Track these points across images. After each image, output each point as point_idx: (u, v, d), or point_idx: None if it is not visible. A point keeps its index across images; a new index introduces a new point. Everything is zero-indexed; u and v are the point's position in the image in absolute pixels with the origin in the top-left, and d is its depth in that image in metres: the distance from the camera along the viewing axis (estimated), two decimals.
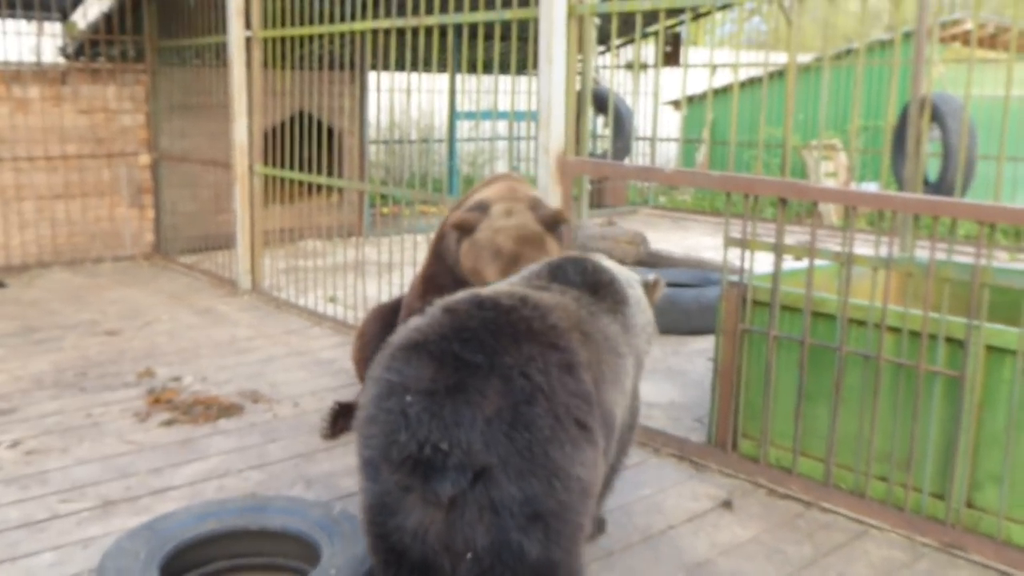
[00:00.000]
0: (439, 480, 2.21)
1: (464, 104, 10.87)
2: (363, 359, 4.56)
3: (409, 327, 2.52)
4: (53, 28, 9.52)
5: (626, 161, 12.10)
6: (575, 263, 3.11)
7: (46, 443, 4.44)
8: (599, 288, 3.05)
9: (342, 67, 9.75)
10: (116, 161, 8.99)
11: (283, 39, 7.12)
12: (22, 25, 8.94)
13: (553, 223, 3.92)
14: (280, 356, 5.90)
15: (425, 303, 3.01)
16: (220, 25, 7.62)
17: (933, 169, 8.18)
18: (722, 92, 14.32)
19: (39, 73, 8.51)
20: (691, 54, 14.64)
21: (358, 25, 6.19)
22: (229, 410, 4.87)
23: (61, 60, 9.26)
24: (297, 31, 6.84)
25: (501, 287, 2.87)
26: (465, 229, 3.92)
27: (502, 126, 12.03)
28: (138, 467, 4.17)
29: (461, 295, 2.64)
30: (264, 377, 5.43)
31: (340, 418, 4.57)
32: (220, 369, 5.62)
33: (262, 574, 3.25)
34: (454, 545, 2.29)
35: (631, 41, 12.60)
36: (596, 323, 2.85)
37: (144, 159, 9.13)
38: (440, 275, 4.16)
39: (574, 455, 2.38)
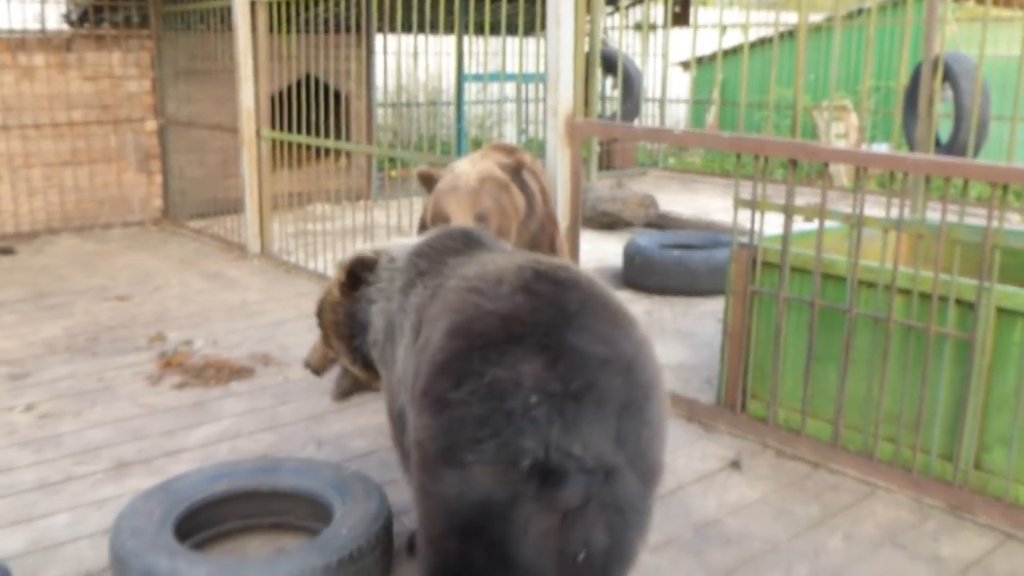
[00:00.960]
0: (570, 487, 2.09)
1: (472, 66, 10.80)
2: None
3: (491, 312, 2.33)
4: None
5: (635, 123, 12.03)
6: (461, 230, 3.08)
7: (59, 407, 4.48)
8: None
9: (348, 30, 9.68)
10: (123, 127, 8.98)
11: (288, 2, 7.07)
12: None
13: (515, 170, 3.99)
14: (290, 319, 5.92)
15: None
16: None
17: (945, 130, 8.11)
18: (732, 53, 14.18)
19: (44, 40, 8.48)
20: (701, 14, 14.49)
21: None
22: (240, 373, 4.90)
23: (65, 27, 9.21)
24: None
25: (517, 257, 2.71)
26: (427, 179, 3.97)
27: (510, 88, 11.96)
28: (151, 430, 4.20)
29: (505, 266, 2.50)
30: (274, 340, 5.45)
31: (348, 380, 4.59)
32: (231, 332, 5.64)
33: (275, 534, 3.29)
34: (569, 548, 2.17)
35: (640, 1, 12.47)
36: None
37: (151, 125, 9.11)
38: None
39: (664, 443, 2.36)
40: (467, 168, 3.96)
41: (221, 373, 4.88)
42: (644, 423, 2.24)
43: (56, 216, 8.65)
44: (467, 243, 2.94)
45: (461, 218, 3.75)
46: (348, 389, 4.14)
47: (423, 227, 4.30)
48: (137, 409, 4.45)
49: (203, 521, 3.17)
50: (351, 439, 4.12)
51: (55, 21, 9.27)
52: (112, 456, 3.95)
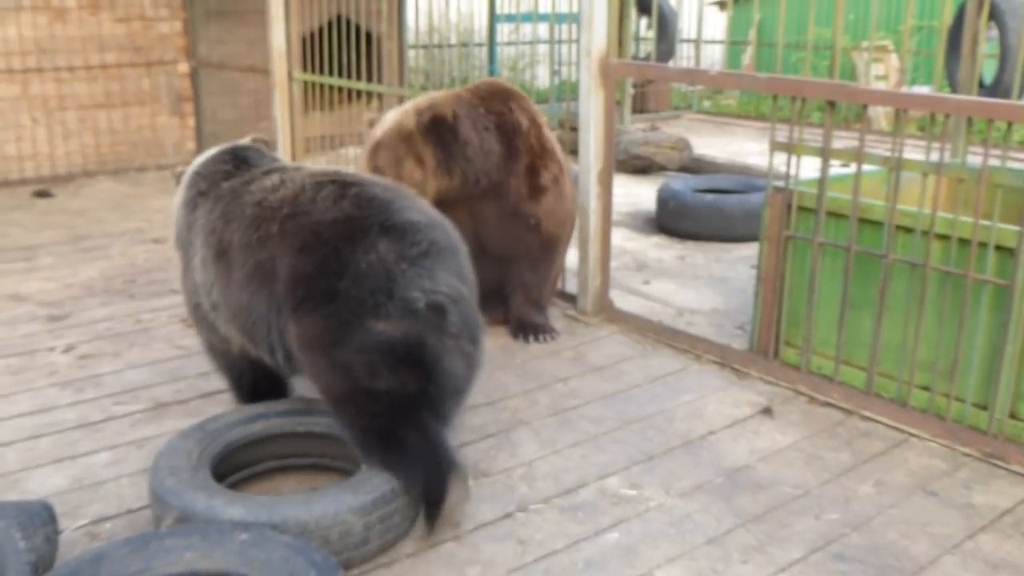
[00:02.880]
0: (451, 314, 2.94)
1: (504, 7, 10.66)
2: None
3: (331, 221, 3.03)
4: None
5: (670, 64, 11.85)
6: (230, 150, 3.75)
7: (99, 348, 4.55)
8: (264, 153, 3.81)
9: None
10: (155, 69, 8.98)
11: None
12: None
13: (428, 125, 4.22)
14: None
15: None
16: None
17: (989, 71, 7.92)
18: None
19: None
20: None
21: None
22: None
23: None
24: None
25: (302, 173, 3.33)
26: (369, 124, 4.37)
27: (543, 29, 11.79)
28: (187, 371, 4.26)
29: (304, 184, 3.22)
30: None
31: None
32: None
33: (309, 474, 3.34)
34: (458, 352, 2.97)
35: None
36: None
37: (183, 67, 9.10)
38: None
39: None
40: (386, 119, 4.30)
41: None
42: (464, 259, 3.16)
43: (91, 159, 8.71)
44: (236, 164, 3.59)
45: (363, 168, 4.21)
46: None
47: None
48: (174, 351, 4.51)
49: (239, 461, 3.23)
50: None
51: None
52: (150, 396, 4.02)
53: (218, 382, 4.15)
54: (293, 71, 7.46)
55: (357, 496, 2.80)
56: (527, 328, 4.66)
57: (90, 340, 4.65)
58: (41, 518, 2.61)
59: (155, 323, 4.89)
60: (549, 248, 4.70)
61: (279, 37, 7.41)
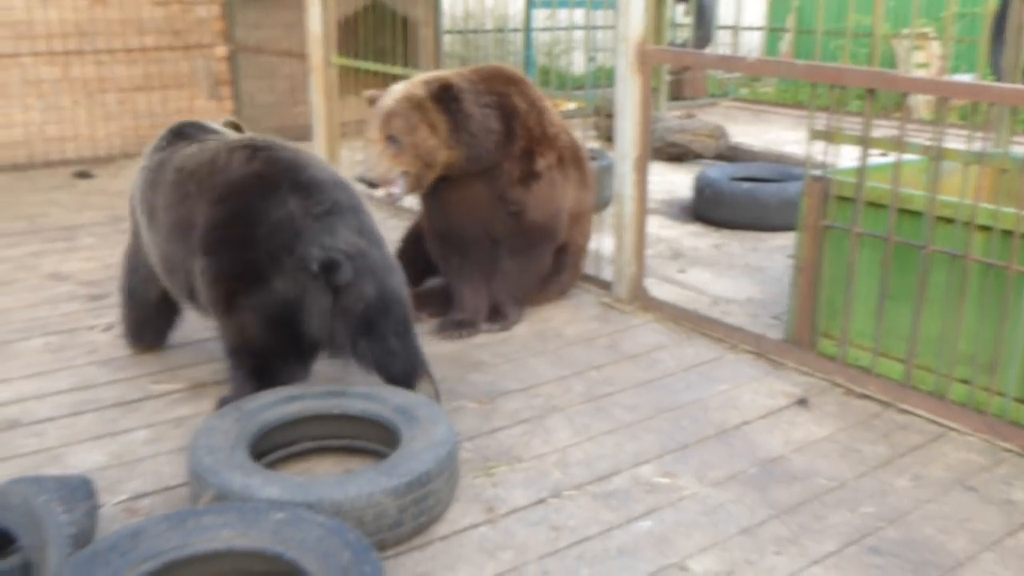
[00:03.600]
0: (343, 270, 3.27)
1: None
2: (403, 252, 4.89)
3: (244, 177, 3.45)
4: None
5: (707, 50, 11.76)
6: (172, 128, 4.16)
7: None
8: (215, 129, 4.15)
9: None
10: (193, 53, 9.04)
11: None
12: None
13: (438, 93, 4.24)
14: None
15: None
16: None
17: None
18: None
19: None
20: None
21: None
22: None
23: None
24: None
25: (222, 141, 3.76)
26: (373, 102, 4.41)
27: (579, 15, 11.74)
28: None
29: (220, 148, 3.64)
30: None
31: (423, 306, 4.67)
32: None
33: (344, 456, 3.37)
34: (350, 307, 3.34)
35: None
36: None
37: (220, 51, 9.16)
38: None
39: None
40: (394, 90, 4.32)
41: None
42: (366, 217, 3.51)
43: (131, 140, 8.79)
44: (171, 140, 4.02)
45: (376, 137, 4.23)
46: None
47: None
48: (211, 332, 4.53)
49: (276, 441, 3.26)
50: None
51: None
52: (189, 376, 4.06)
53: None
54: (330, 55, 7.48)
55: (391, 478, 2.82)
56: (492, 315, 4.66)
57: None
58: (81, 493, 2.66)
59: None
60: (533, 238, 4.62)
61: (316, 22, 7.43)
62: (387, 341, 3.44)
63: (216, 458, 2.90)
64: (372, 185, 4.24)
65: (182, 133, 4.05)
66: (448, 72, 4.50)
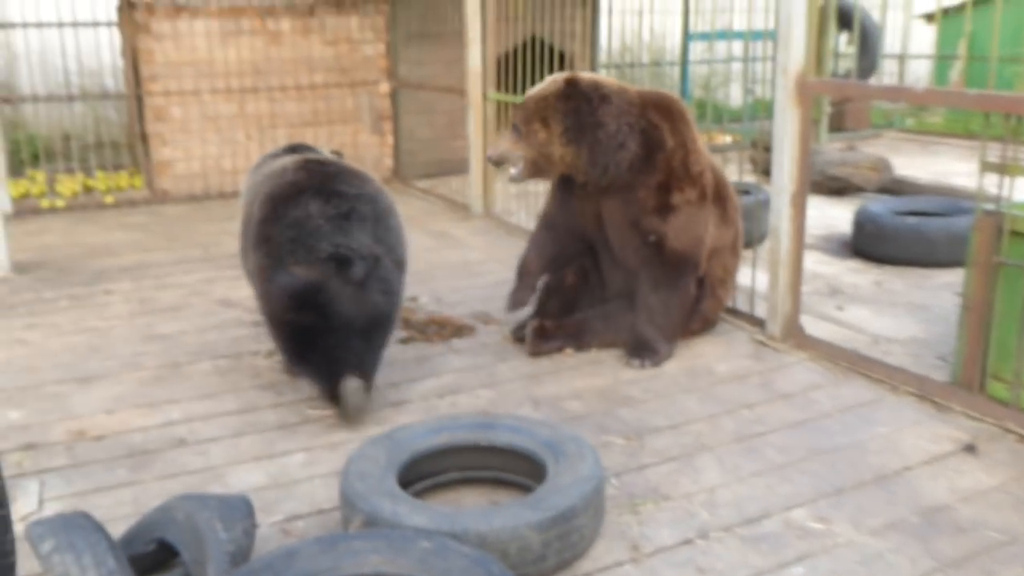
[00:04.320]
0: (355, 267, 3.77)
1: (698, 25, 10.54)
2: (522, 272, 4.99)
3: (284, 184, 4.04)
4: None
5: (871, 80, 11.37)
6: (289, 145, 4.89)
7: None
8: (318, 152, 4.77)
9: None
10: (358, 89, 9.41)
11: None
12: None
13: (564, 90, 4.40)
14: (510, 280, 6.00)
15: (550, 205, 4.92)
16: None
17: None
18: (982, 2, 13.09)
19: (290, 7, 9.00)
20: None
21: None
22: (461, 330, 5.06)
23: None
24: None
25: (295, 157, 4.42)
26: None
27: (737, 47, 11.59)
28: (378, 380, 4.41)
29: (287, 162, 4.28)
30: (495, 300, 5.57)
31: (541, 338, 4.69)
32: (453, 291, 5.83)
33: (490, 487, 3.39)
34: (365, 304, 3.83)
35: None
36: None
37: (384, 87, 9.50)
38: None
39: (406, 247, 4.19)
40: (542, 82, 4.62)
41: (444, 330, 5.06)
42: (389, 229, 4.03)
43: None
44: (276, 156, 4.64)
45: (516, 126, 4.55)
46: (542, 347, 4.81)
47: None
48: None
49: (424, 470, 3.32)
50: (567, 400, 4.18)
51: None
52: None
53: (407, 391, 4.30)
54: (488, 91, 7.64)
55: (536, 512, 2.82)
56: (638, 348, 4.60)
57: None
58: (240, 512, 2.77)
59: None
60: (673, 270, 4.56)
61: (475, 58, 7.62)
62: (367, 347, 3.96)
63: (367, 484, 2.97)
64: (495, 163, 4.80)
65: (290, 148, 4.77)
66: (612, 81, 4.55)
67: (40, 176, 9.15)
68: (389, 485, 2.99)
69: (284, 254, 3.81)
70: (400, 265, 4.06)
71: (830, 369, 4.48)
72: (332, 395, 3.90)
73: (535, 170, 4.55)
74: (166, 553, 2.75)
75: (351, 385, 3.83)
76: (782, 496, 3.34)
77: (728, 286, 4.98)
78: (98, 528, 2.46)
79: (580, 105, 4.33)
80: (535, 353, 4.69)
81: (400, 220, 4.19)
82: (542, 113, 4.40)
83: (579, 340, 4.74)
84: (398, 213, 4.20)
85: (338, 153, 4.98)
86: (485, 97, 7.65)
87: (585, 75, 4.51)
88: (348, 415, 3.91)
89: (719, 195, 4.71)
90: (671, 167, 4.45)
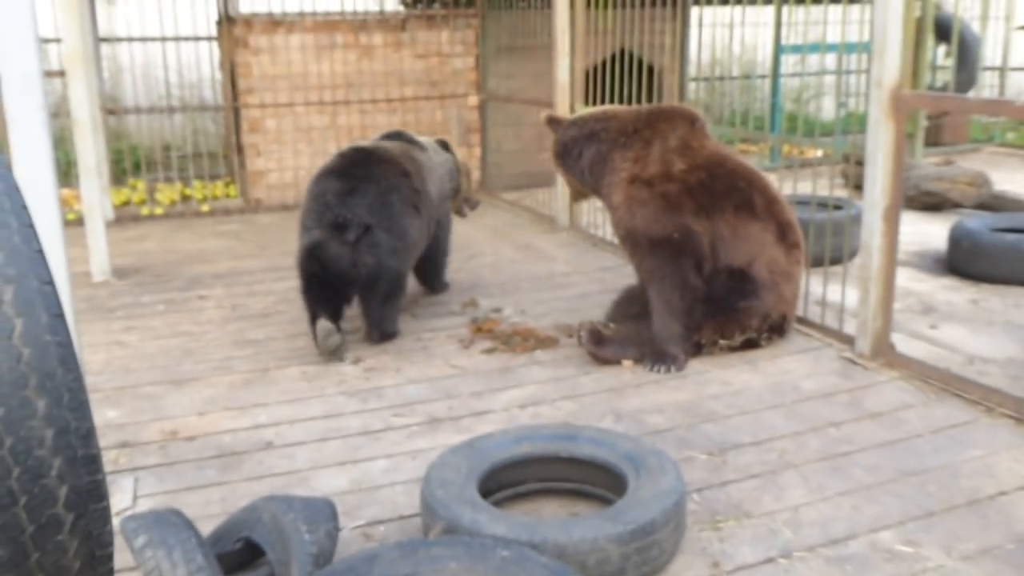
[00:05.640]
0: (350, 229, 4.78)
1: (790, 37, 10.39)
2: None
3: (324, 166, 5.20)
4: None
5: (970, 94, 11.05)
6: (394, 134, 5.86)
7: (382, 362, 4.87)
8: (412, 140, 5.77)
9: (664, 3, 9.63)
10: (448, 102, 9.53)
11: None
12: None
13: (546, 120, 5.39)
14: (594, 292, 6.04)
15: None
16: None
17: None
18: None
19: (382, 21, 9.17)
20: None
21: None
22: (545, 342, 5.07)
23: (401, 8, 9.89)
24: None
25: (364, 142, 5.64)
26: (553, 121, 5.40)
27: (830, 59, 11.37)
28: (461, 390, 4.47)
29: (349, 149, 5.40)
30: (579, 312, 5.57)
31: (595, 341, 4.69)
32: (537, 303, 5.85)
33: (569, 499, 3.39)
34: (359, 260, 4.82)
35: None
36: (415, 153, 5.53)
37: (473, 100, 9.60)
38: None
39: (410, 221, 5.11)
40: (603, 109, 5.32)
41: (527, 341, 5.08)
42: (387, 204, 4.96)
43: None
44: (378, 140, 5.78)
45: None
46: (603, 355, 4.86)
47: None
48: (450, 370, 4.75)
49: (504, 480, 3.33)
50: (649, 414, 4.15)
51: (392, 3, 9.98)
52: (426, 411, 4.24)
53: (489, 401, 4.34)
54: (575, 104, 7.65)
55: (616, 525, 2.81)
56: (654, 357, 4.73)
57: (375, 355, 4.98)
58: (324, 515, 2.82)
59: (434, 342, 5.17)
60: (649, 255, 4.84)
61: (564, 71, 7.65)
62: (371, 302, 5.03)
63: (448, 492, 3.00)
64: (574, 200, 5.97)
65: (388, 136, 5.78)
66: (596, 109, 5.37)
67: (141, 185, 9.50)
68: (469, 493, 3.02)
69: (307, 220, 4.92)
70: (394, 233, 4.93)
71: (922, 389, 4.36)
72: (312, 332, 4.85)
73: (576, 192, 5.57)
74: (252, 552, 2.82)
75: (322, 326, 4.76)
76: (869, 517, 3.26)
77: (780, 281, 4.85)
78: (188, 525, 2.54)
79: (555, 129, 5.29)
80: (592, 355, 4.76)
81: (405, 199, 5.07)
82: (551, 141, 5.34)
83: (634, 349, 4.72)
84: (405, 194, 5.08)
85: (443, 142, 6.07)
86: (572, 110, 7.66)
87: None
88: (318, 349, 4.84)
89: (732, 186, 4.77)
90: (641, 164, 4.89)
